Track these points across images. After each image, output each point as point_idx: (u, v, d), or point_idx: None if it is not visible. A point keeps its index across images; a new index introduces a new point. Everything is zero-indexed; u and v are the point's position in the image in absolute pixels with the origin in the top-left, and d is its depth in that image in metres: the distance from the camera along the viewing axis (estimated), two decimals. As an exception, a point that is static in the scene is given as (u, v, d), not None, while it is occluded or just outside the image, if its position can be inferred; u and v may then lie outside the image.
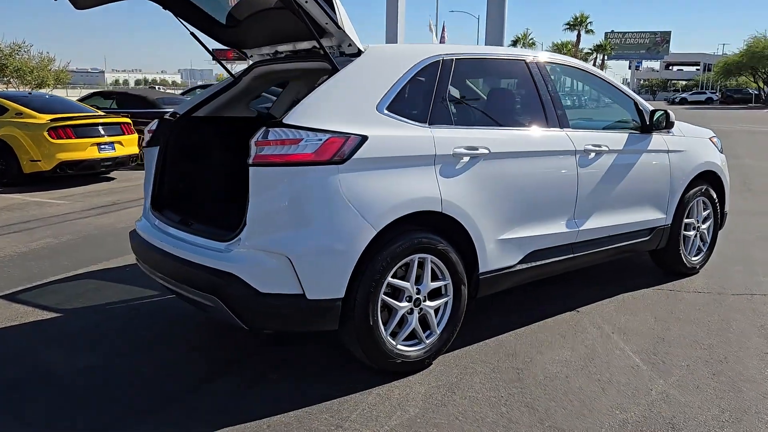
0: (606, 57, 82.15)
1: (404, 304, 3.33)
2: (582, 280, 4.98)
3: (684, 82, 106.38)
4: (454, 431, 2.87)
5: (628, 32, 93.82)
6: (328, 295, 3.05)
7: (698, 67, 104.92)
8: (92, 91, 15.54)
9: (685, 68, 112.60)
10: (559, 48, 74.00)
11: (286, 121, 3.03)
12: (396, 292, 3.32)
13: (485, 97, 4.32)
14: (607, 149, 4.26)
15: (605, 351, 3.71)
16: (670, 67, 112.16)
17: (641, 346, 3.77)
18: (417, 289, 3.37)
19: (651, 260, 5.22)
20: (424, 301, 3.41)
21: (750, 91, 58.62)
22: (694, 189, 4.98)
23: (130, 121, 10.78)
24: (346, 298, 3.09)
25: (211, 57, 4.43)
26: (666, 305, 4.49)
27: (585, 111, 4.21)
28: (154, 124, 4.15)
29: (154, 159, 4.06)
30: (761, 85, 57.68)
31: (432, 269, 3.42)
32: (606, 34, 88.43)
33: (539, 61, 4.15)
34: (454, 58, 3.67)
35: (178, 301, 4.55)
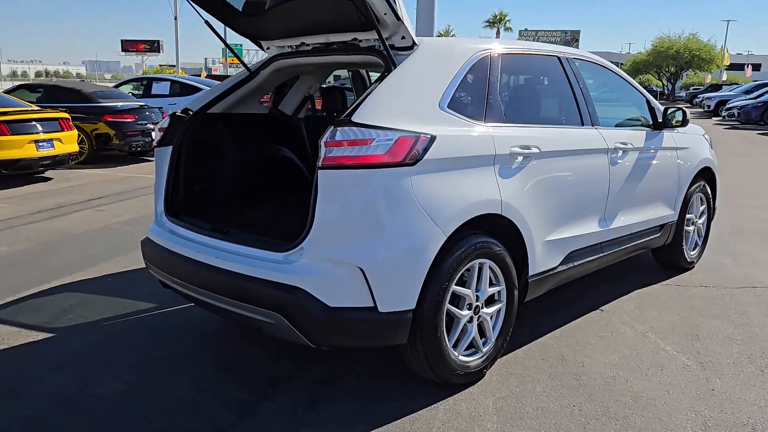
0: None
1: (465, 312, 3.17)
2: (587, 278, 4.97)
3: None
4: (543, 446, 2.74)
5: (541, 30, 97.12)
6: (400, 306, 2.83)
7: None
8: (17, 83, 14.35)
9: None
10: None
11: (355, 119, 2.78)
12: (456, 301, 3.15)
13: (528, 94, 4.20)
14: (632, 147, 4.26)
15: (650, 351, 3.69)
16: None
17: (680, 345, 3.78)
18: (476, 296, 3.21)
19: (642, 256, 5.30)
20: (482, 308, 3.26)
21: (654, 88, 62.08)
22: (695, 185, 5.09)
23: (69, 117, 9.98)
24: (416, 309, 2.89)
25: (225, 48, 4.08)
26: (683, 301, 4.55)
27: (600, 107, 4.23)
28: (165, 122, 3.77)
29: (166, 159, 3.69)
30: (665, 82, 61.19)
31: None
32: (520, 32, 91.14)
33: (569, 57, 4.08)
34: (500, 53, 3.53)
35: (185, 314, 4.20)
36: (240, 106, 3.98)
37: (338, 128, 2.75)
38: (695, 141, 5.13)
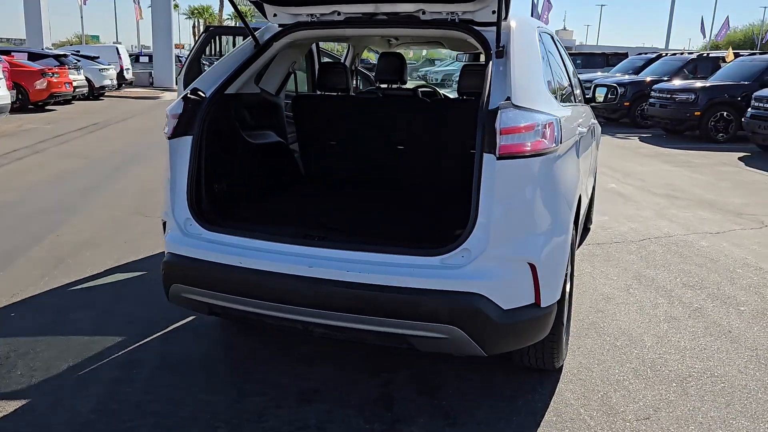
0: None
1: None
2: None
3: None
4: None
5: None
6: (554, 299, 2.71)
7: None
8: None
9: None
10: (199, 12, 72.14)
11: (517, 103, 2.53)
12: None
13: (558, 72, 4.19)
14: (593, 121, 4.60)
15: (663, 303, 4.12)
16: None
17: (671, 295, 4.28)
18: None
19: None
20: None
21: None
22: (594, 154, 5.72)
23: None
24: (560, 299, 2.80)
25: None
26: (624, 255, 5.13)
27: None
28: (179, 107, 2.96)
29: (186, 153, 2.93)
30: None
31: None
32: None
33: (551, 33, 4.19)
34: (544, 30, 3.51)
35: (190, 343, 3.44)
36: (254, 85, 3.31)
37: (513, 112, 2.48)
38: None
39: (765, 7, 74.81)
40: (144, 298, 4.05)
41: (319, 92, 3.98)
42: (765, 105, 10.69)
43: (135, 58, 30.67)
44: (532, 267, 2.55)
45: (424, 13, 3.09)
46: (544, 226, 2.59)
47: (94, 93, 20.82)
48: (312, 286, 2.57)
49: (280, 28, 3.31)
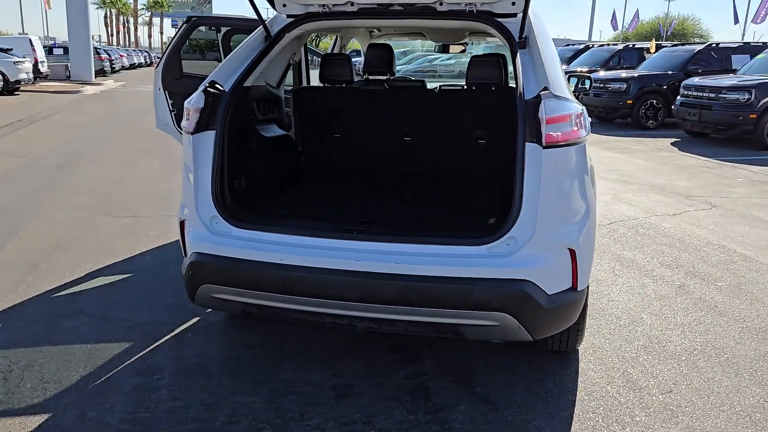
0: (163, 14, 79.97)
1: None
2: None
3: (232, 44, 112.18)
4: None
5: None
6: (587, 282, 2.81)
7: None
8: None
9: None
10: (112, 2, 68.93)
11: (554, 93, 2.59)
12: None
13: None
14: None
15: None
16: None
17: (654, 275, 4.51)
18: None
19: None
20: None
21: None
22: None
23: None
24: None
25: None
26: (599, 239, 5.32)
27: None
28: (200, 100, 2.84)
29: (209, 148, 2.84)
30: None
31: None
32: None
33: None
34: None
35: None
36: (270, 77, 3.23)
37: (554, 103, 2.54)
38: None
39: (669, 1, 78.83)
40: (138, 302, 3.88)
41: (322, 84, 3.92)
42: (694, 93, 11.35)
43: (48, 50, 28.96)
44: (572, 252, 2.63)
45: (441, 3, 3.10)
46: (581, 212, 2.68)
47: (9, 87, 19.55)
48: (361, 280, 2.55)
49: (291, 19, 3.23)
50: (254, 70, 3.08)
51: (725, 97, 10.66)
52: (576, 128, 2.61)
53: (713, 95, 10.93)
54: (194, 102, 2.85)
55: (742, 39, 33.24)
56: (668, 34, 46.55)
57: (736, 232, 5.63)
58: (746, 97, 10.48)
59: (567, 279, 2.66)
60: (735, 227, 5.82)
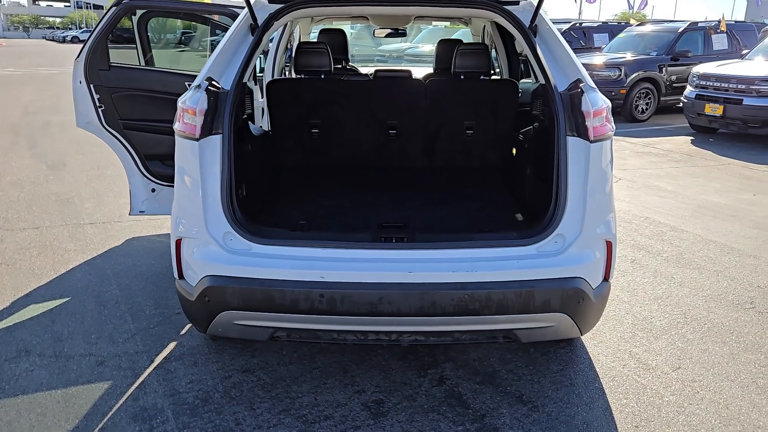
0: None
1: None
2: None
3: (59, 19, 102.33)
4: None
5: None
6: (612, 273, 2.83)
7: (68, 4, 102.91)
8: None
9: (55, 4, 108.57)
10: None
11: (590, 84, 2.55)
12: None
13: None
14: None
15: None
16: (37, 2, 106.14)
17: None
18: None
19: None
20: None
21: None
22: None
23: None
24: None
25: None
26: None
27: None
28: (203, 101, 2.46)
29: (217, 155, 2.49)
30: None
31: None
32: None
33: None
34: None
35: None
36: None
37: (595, 95, 2.49)
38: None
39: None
40: (93, 331, 3.38)
41: (297, 75, 3.58)
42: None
43: None
44: (608, 244, 2.64)
45: None
46: (612, 204, 2.68)
47: None
48: (417, 292, 2.36)
49: (278, 5, 2.90)
50: (250, 63, 2.73)
51: (598, 74, 11.43)
52: (606, 122, 2.59)
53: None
54: (198, 103, 2.46)
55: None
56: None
57: (651, 203, 6.05)
58: (617, 73, 11.30)
59: (602, 271, 2.66)
60: (647, 198, 6.26)
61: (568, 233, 2.50)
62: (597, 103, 2.50)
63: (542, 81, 2.81)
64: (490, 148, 3.59)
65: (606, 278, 2.69)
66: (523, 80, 4.72)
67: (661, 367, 3.12)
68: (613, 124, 2.64)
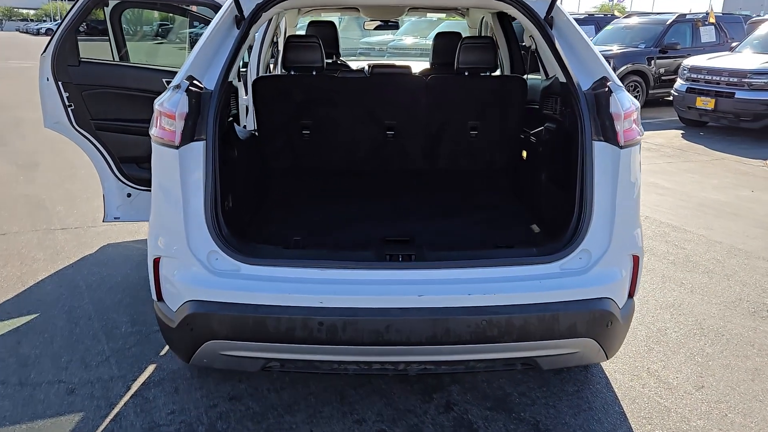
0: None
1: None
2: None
3: (33, 11, 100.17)
4: (721, 369, 3.05)
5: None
6: (637, 290, 2.59)
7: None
8: None
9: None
10: None
11: (618, 84, 2.30)
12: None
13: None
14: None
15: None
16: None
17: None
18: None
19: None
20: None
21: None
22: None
23: None
24: None
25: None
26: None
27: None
28: (183, 104, 2.17)
29: (200, 164, 2.20)
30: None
31: None
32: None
33: None
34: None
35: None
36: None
37: (624, 95, 2.25)
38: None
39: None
40: (63, 353, 3.07)
41: (287, 72, 3.28)
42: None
43: None
44: (635, 259, 2.39)
45: None
46: (639, 215, 2.44)
47: None
48: (429, 318, 2.09)
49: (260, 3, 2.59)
50: (236, 59, 2.44)
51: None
52: (637, 124, 2.34)
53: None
54: (173, 105, 2.16)
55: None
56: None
57: (650, 202, 5.85)
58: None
59: (627, 288, 2.41)
60: (645, 196, 6.03)
61: (594, 248, 2.25)
62: (626, 105, 2.25)
63: (562, 79, 2.55)
64: (497, 149, 3.33)
65: (631, 295, 2.45)
66: (529, 76, 4.48)
67: (684, 386, 2.89)
68: (641, 126, 2.40)
